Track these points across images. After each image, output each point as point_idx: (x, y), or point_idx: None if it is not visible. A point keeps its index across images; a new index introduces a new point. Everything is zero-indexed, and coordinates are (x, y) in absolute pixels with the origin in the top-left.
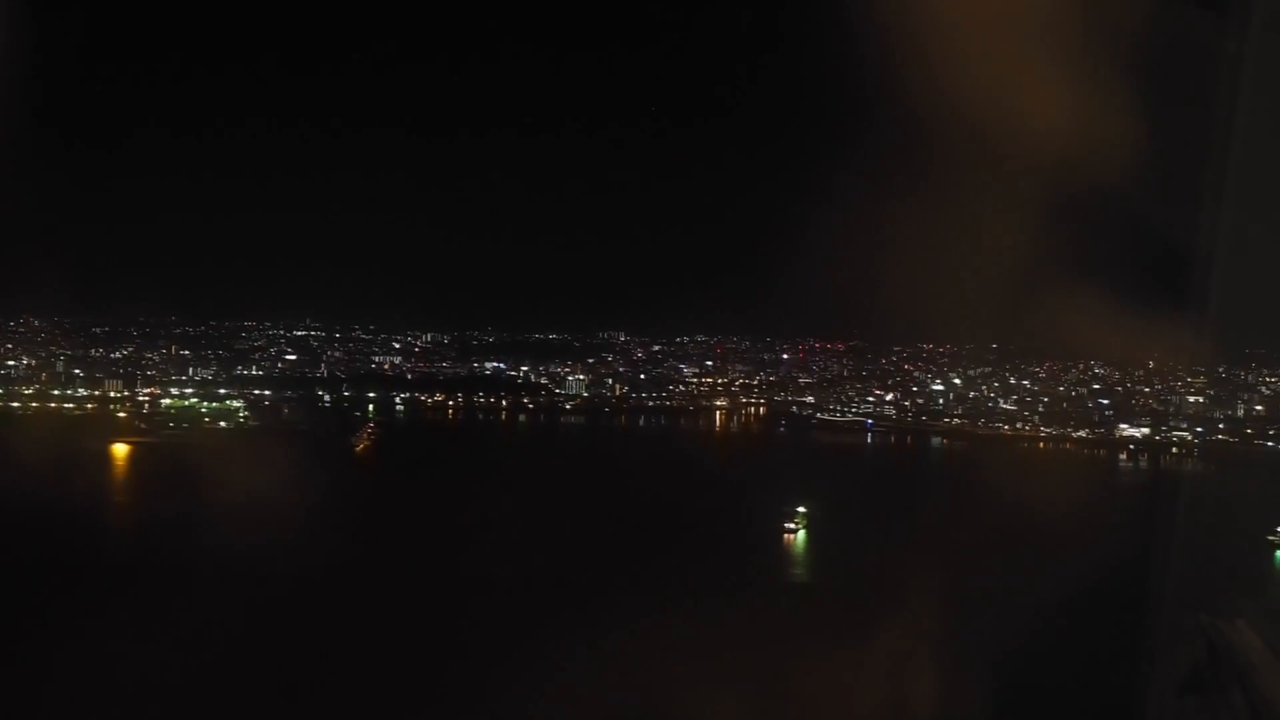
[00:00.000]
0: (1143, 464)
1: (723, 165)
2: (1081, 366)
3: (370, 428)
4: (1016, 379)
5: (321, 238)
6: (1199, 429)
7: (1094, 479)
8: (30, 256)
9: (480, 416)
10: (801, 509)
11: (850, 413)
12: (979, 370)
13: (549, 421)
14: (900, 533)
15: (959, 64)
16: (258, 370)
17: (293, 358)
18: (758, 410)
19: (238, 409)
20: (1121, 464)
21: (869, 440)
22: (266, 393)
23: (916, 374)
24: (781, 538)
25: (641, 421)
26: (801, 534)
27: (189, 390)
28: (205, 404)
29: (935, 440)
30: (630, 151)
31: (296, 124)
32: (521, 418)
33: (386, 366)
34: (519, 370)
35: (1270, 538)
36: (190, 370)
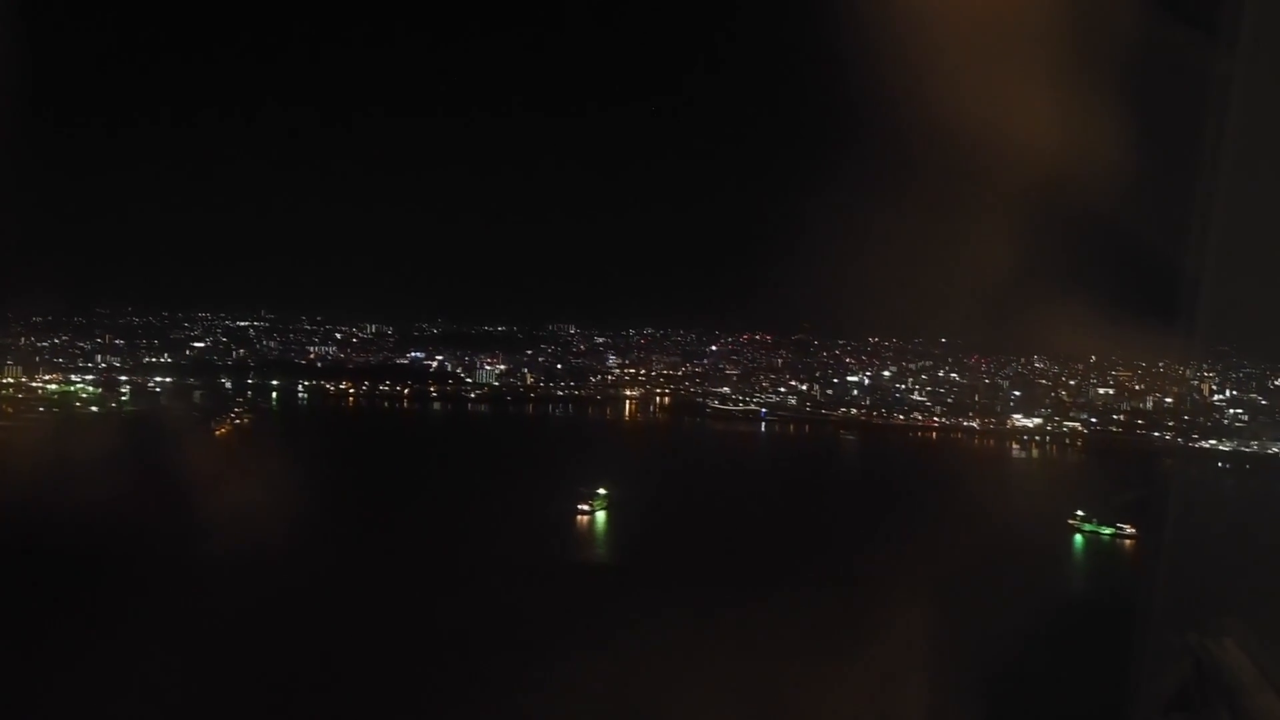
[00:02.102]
0: (1030, 453)
1: (695, 161)
2: (1023, 360)
3: (236, 413)
4: (946, 372)
5: (289, 230)
6: (1093, 420)
7: (946, 465)
8: None
9: (385, 405)
10: (601, 491)
11: (753, 402)
12: (920, 364)
13: (455, 410)
14: (699, 514)
15: (942, 71)
16: (168, 358)
17: (201, 345)
18: (664, 400)
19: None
20: (1013, 453)
21: (761, 429)
22: (168, 379)
23: (852, 366)
24: (574, 519)
25: (555, 410)
26: (600, 515)
27: (89, 377)
28: (86, 390)
29: (832, 430)
30: (597, 141)
31: (280, 113)
32: (436, 406)
33: (313, 356)
34: (434, 360)
35: (1070, 521)
36: (98, 358)
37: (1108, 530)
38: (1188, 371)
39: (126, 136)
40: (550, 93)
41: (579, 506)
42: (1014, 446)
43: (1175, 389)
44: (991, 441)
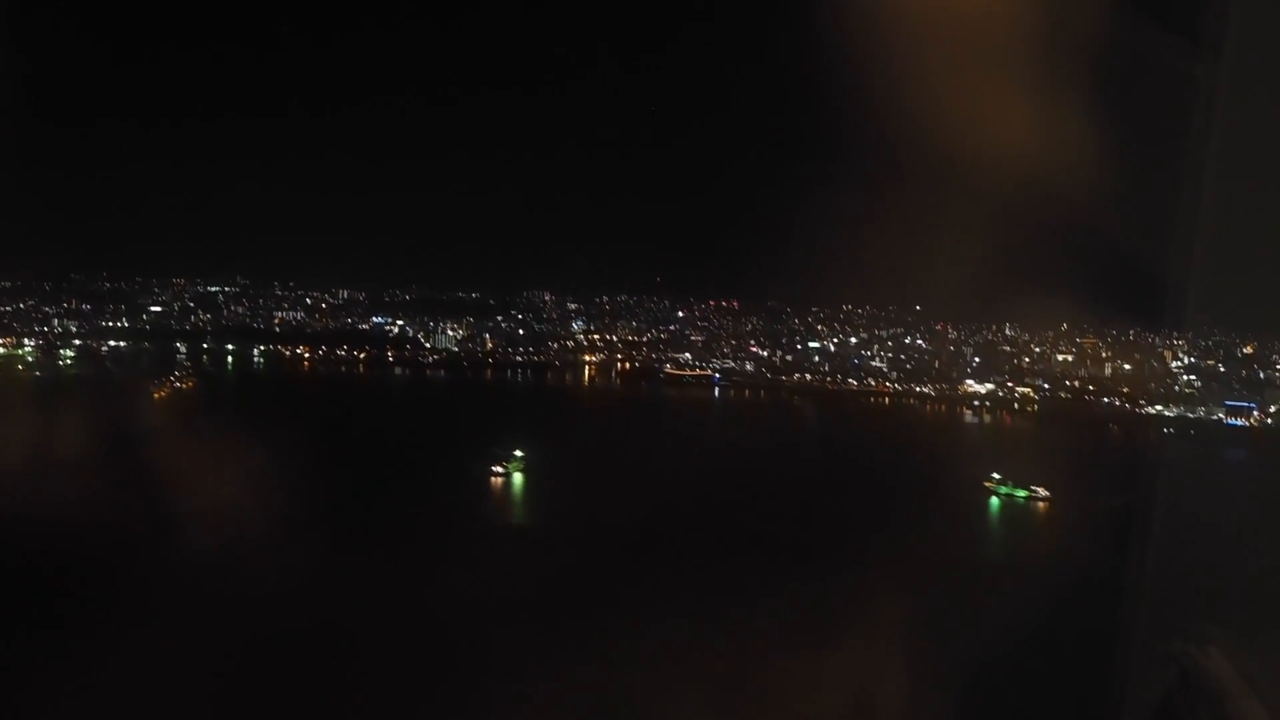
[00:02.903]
0: (981, 418)
1: (684, 139)
2: (994, 328)
3: (178, 376)
4: (914, 339)
5: (269, 199)
6: (1045, 386)
7: (889, 429)
8: None
9: (341, 370)
10: (518, 453)
11: (710, 367)
12: (889, 331)
13: (411, 376)
14: (611, 476)
15: (923, 67)
16: (124, 323)
17: (158, 310)
18: (624, 365)
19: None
20: (964, 418)
21: (715, 394)
22: (123, 344)
23: (823, 332)
24: (487, 480)
25: (514, 376)
26: (517, 476)
27: (41, 341)
28: (31, 354)
29: (785, 395)
30: (593, 116)
31: (275, 95)
32: (395, 371)
33: (276, 321)
34: (395, 325)
35: (986, 484)
36: (54, 322)
37: (1022, 493)
38: (1156, 339)
39: (120, 120)
40: (532, 70)
41: (493, 468)
42: (966, 412)
43: (1136, 356)
44: (943, 407)
